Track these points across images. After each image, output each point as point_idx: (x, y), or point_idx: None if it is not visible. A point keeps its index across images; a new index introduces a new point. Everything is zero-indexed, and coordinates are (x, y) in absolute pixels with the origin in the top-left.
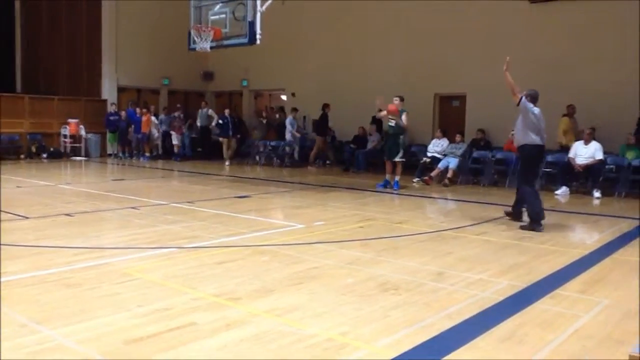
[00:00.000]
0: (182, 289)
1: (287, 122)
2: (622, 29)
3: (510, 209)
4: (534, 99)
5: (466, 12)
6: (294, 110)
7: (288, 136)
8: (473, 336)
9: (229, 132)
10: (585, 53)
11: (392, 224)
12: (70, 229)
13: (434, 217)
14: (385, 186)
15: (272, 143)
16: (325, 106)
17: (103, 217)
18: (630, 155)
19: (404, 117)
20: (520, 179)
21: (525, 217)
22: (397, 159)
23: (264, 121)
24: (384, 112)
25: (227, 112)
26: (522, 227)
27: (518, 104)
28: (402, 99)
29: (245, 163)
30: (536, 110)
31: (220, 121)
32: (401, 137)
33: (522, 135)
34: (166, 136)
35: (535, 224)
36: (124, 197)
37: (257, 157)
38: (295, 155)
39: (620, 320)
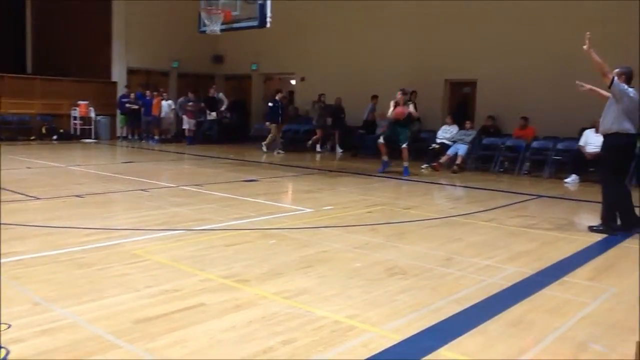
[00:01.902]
0: (191, 270)
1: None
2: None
3: (599, 223)
4: (628, 78)
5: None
6: (375, 97)
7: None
8: (480, 321)
9: (278, 118)
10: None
11: (400, 210)
12: (80, 210)
13: (442, 203)
14: (384, 169)
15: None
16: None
17: (113, 198)
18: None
19: (411, 108)
20: (607, 176)
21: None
22: (404, 145)
23: (322, 105)
24: (393, 115)
25: (278, 96)
26: (591, 228)
27: (610, 86)
28: (404, 92)
29: (255, 147)
30: (631, 91)
31: (270, 104)
32: (409, 126)
33: (614, 122)
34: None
35: (607, 225)
36: (133, 179)
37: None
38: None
39: (628, 308)
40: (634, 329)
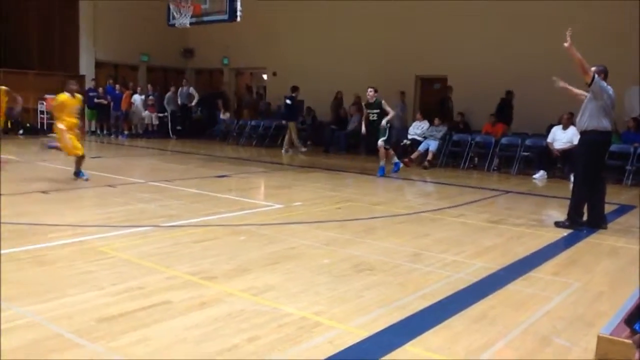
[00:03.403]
0: (157, 267)
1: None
2: (603, 11)
3: (565, 218)
4: (605, 76)
5: None
6: (403, 93)
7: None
8: (446, 316)
9: (297, 115)
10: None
11: (370, 205)
12: (45, 206)
13: (412, 199)
14: (383, 173)
15: (253, 123)
16: (294, 89)
17: (79, 194)
18: None
19: (385, 105)
20: (581, 172)
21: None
22: (379, 143)
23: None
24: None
25: (295, 93)
26: (557, 224)
27: (590, 84)
28: (376, 90)
29: (226, 143)
30: (610, 89)
31: (288, 101)
32: (385, 122)
33: (592, 119)
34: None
35: (573, 221)
36: (101, 174)
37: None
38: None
39: (590, 302)
40: (595, 323)
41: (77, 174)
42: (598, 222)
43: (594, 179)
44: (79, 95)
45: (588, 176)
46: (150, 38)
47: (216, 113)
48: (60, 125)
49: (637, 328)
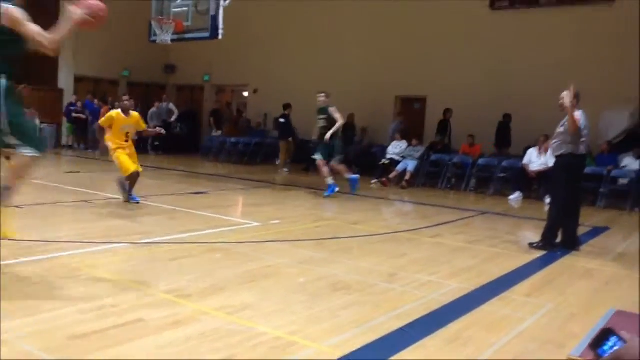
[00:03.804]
0: (131, 285)
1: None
2: (577, 37)
3: (540, 239)
4: (579, 99)
5: (428, 15)
6: (400, 114)
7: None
8: (420, 337)
9: (291, 132)
10: (542, 60)
11: (348, 225)
12: (18, 222)
13: (390, 218)
14: (333, 191)
15: (232, 140)
16: (286, 107)
17: (54, 210)
18: None
19: (333, 112)
20: (556, 195)
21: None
22: (316, 157)
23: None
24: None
25: (288, 110)
26: (531, 245)
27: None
28: (327, 96)
29: (206, 159)
30: (583, 119)
31: (282, 120)
32: (329, 135)
33: (568, 144)
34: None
35: (547, 242)
36: (77, 190)
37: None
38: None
39: (562, 324)
40: (566, 345)
41: (129, 197)
42: (572, 244)
43: (569, 202)
44: (135, 114)
45: (563, 199)
46: (131, 53)
47: (199, 130)
48: (108, 143)
49: (600, 353)
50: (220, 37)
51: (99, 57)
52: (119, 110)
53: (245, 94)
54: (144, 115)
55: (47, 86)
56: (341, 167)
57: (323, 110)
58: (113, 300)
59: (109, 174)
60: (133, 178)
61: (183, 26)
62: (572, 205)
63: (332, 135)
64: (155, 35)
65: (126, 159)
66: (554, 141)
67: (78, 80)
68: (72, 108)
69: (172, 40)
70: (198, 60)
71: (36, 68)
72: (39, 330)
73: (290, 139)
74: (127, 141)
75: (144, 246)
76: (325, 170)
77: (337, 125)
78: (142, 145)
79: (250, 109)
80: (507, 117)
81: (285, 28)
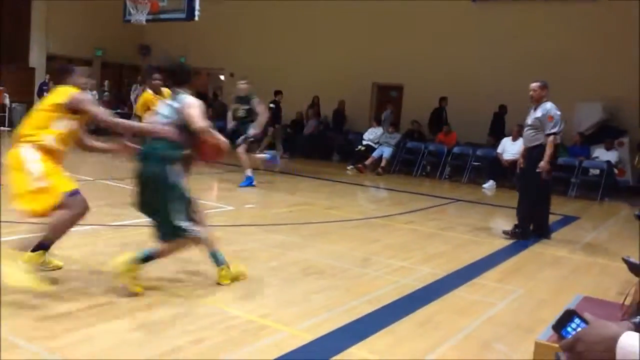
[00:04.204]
0: (102, 267)
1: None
2: (560, 31)
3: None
4: (547, 89)
5: (409, 4)
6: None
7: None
8: (391, 321)
9: (278, 119)
10: (521, 53)
11: (322, 210)
12: None
13: (364, 204)
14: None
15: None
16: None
17: None
18: None
19: (257, 104)
20: (529, 185)
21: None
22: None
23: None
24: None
25: (279, 97)
26: (504, 232)
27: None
28: (249, 83)
29: None
30: (556, 114)
31: (272, 105)
32: (252, 132)
33: (540, 134)
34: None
35: (521, 230)
36: None
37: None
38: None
39: (531, 309)
40: (535, 330)
41: None
42: (542, 232)
43: (541, 191)
44: (166, 90)
45: (535, 189)
46: (105, 32)
47: None
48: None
49: (563, 334)
50: (196, 18)
51: (72, 35)
52: (150, 92)
53: (222, 77)
54: (124, 96)
55: (18, 64)
56: (254, 156)
57: (244, 100)
58: (84, 283)
59: (81, 156)
60: None
61: (158, 6)
62: (544, 194)
63: (248, 126)
64: (130, 14)
65: None
66: (526, 132)
67: (50, 58)
68: (44, 87)
69: (147, 21)
70: (173, 41)
71: (7, 46)
72: (7, 313)
73: (277, 125)
74: None
75: (116, 228)
76: (245, 159)
77: (263, 119)
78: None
79: (226, 93)
80: (502, 108)
81: (262, 13)
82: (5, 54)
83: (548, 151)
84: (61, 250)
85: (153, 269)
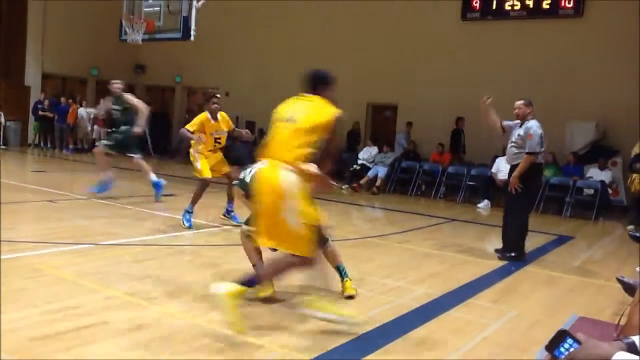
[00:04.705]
0: (95, 286)
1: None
2: (546, 49)
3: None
4: (532, 107)
5: (400, 24)
6: (409, 124)
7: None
8: (387, 341)
9: None
10: (510, 71)
11: None
12: None
13: (359, 224)
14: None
15: None
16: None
17: (17, 209)
18: (548, 173)
19: (130, 99)
20: (516, 204)
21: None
22: (134, 155)
23: None
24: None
25: None
26: (497, 252)
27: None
28: (123, 84)
29: (175, 161)
30: (538, 132)
31: None
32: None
33: (522, 153)
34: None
35: (519, 253)
36: (42, 189)
37: None
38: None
39: (526, 330)
40: (529, 350)
41: (229, 212)
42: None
43: (526, 211)
44: (224, 115)
45: (523, 207)
46: (101, 51)
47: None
48: (192, 150)
49: (556, 354)
50: (192, 38)
51: (67, 54)
52: (208, 115)
53: (218, 96)
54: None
55: (13, 82)
56: (143, 163)
57: (118, 100)
58: (76, 302)
59: (76, 174)
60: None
61: (154, 26)
62: (524, 214)
63: (130, 125)
64: (125, 34)
65: (206, 168)
66: (509, 149)
67: (45, 77)
68: (39, 106)
69: (143, 40)
70: (169, 61)
71: (2, 64)
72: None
73: None
74: (214, 150)
75: (109, 247)
76: (144, 165)
77: (144, 113)
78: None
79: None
80: (459, 121)
81: (257, 32)
82: (1, 72)
83: (521, 166)
84: (54, 269)
85: (144, 289)
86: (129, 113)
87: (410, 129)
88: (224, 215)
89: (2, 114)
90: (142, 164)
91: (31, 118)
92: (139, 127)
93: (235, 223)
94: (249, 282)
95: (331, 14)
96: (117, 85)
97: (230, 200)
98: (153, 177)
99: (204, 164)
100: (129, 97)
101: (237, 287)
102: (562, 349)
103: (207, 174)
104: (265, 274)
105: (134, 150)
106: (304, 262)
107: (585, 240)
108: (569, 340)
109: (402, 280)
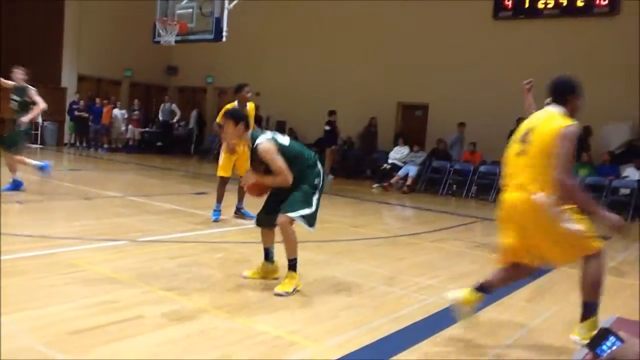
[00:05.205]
0: (131, 282)
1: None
2: (579, 48)
3: None
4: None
5: (431, 23)
6: (462, 124)
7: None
8: (418, 340)
9: (335, 140)
10: (542, 71)
11: (348, 227)
12: (20, 217)
13: (390, 222)
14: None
15: None
16: (331, 113)
17: (55, 206)
18: (583, 172)
19: (33, 95)
20: None
21: None
22: (12, 151)
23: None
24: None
25: (333, 117)
26: None
27: None
28: (26, 73)
29: (205, 161)
30: None
31: (327, 127)
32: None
33: None
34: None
35: None
36: (78, 187)
37: None
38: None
39: (562, 330)
40: (566, 350)
41: (239, 210)
42: None
43: None
44: (252, 106)
45: None
46: (134, 53)
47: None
48: (223, 146)
49: (598, 352)
50: (224, 39)
51: (102, 56)
52: (236, 103)
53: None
54: (146, 115)
55: (50, 84)
56: (24, 160)
57: (19, 92)
58: (112, 297)
59: (111, 173)
60: (242, 192)
61: (187, 28)
62: None
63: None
64: (159, 36)
65: (227, 164)
66: None
67: (81, 79)
68: (74, 107)
69: (176, 42)
70: (200, 62)
71: (40, 66)
72: (40, 324)
73: (334, 146)
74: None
75: (145, 244)
76: (17, 162)
77: (40, 109)
78: (144, 145)
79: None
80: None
81: (288, 32)
82: (39, 74)
83: None
84: (90, 265)
85: (180, 284)
86: (25, 106)
87: (464, 129)
88: (236, 214)
89: (40, 114)
90: (19, 160)
91: (67, 118)
92: (26, 117)
93: (249, 217)
94: (482, 289)
95: (362, 13)
96: (20, 74)
97: (240, 198)
98: (36, 163)
99: (223, 162)
100: (33, 92)
101: (474, 294)
102: (604, 347)
103: (222, 173)
104: (594, 294)
105: (19, 149)
106: (598, 256)
107: (621, 240)
108: (612, 339)
109: (434, 279)
